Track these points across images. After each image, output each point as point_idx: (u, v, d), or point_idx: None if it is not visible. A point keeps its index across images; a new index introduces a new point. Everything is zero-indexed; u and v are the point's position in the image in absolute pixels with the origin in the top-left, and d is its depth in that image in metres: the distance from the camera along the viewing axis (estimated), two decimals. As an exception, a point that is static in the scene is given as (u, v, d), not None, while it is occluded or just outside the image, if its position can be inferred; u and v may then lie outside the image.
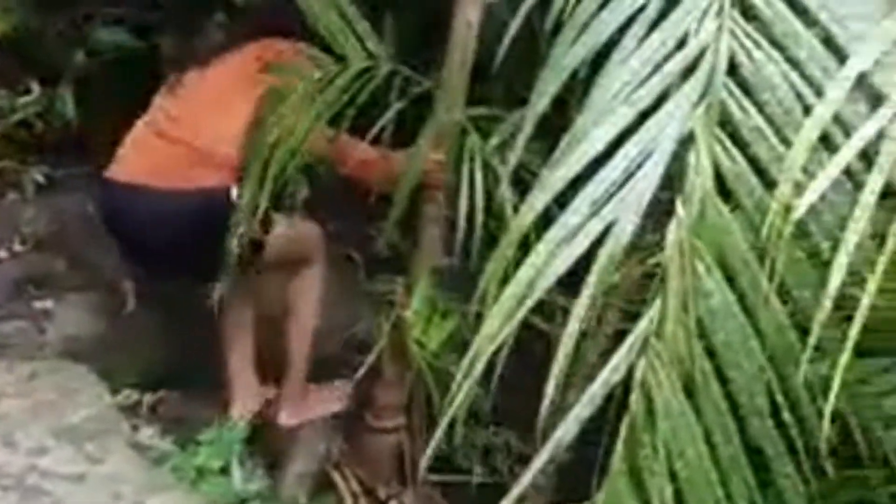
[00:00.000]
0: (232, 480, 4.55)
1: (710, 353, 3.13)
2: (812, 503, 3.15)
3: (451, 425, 4.80)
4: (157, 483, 4.18)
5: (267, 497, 4.67)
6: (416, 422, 5.09)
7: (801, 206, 2.99)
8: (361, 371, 4.87)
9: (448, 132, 4.68)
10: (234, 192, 4.59)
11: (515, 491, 3.02)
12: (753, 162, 3.14)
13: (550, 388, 2.93)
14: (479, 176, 4.71)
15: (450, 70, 4.63)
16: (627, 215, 3.07)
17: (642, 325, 3.09)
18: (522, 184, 4.27)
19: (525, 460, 4.36)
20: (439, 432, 3.36)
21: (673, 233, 3.10)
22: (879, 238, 3.02)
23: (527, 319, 3.34)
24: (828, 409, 2.88)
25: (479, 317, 4.86)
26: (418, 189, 4.75)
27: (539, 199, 3.09)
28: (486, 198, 4.68)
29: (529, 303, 3.00)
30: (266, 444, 5.01)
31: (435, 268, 4.83)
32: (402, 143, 4.79)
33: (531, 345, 3.74)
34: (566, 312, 3.14)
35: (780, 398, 3.11)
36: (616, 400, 3.13)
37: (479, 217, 4.63)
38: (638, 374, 3.09)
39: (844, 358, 2.92)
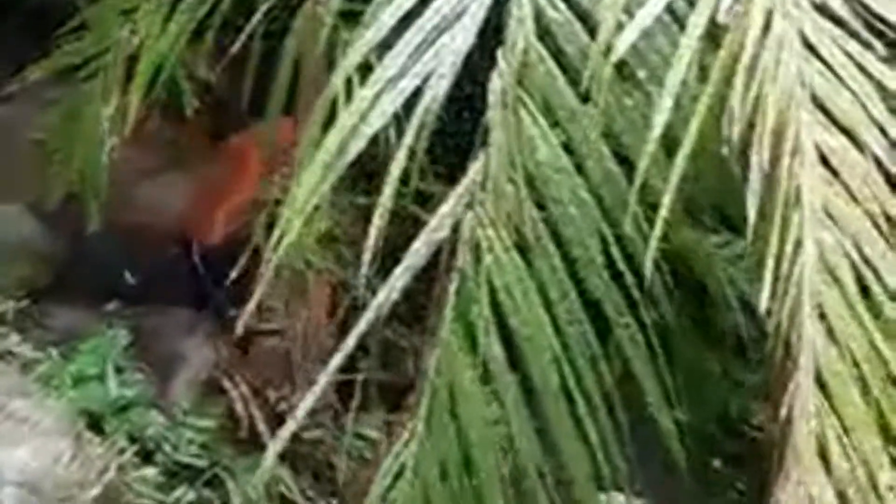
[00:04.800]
0: (108, 387, 4.46)
1: (541, 207, 3.04)
2: (656, 361, 3.08)
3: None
4: (22, 389, 4.09)
5: (146, 403, 4.59)
6: (304, 322, 5.01)
7: (621, 45, 2.89)
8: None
9: (318, 28, 4.55)
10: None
11: (335, 360, 2.92)
12: (575, 8, 3.05)
13: (367, 255, 2.84)
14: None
15: (318, -38, 4.49)
16: (444, 66, 2.98)
17: (467, 179, 3.00)
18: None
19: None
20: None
21: (495, 83, 3.00)
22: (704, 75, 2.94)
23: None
24: (652, 244, 2.78)
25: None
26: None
27: (351, 59, 2.99)
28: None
29: (341, 165, 2.90)
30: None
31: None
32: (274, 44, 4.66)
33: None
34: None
35: (614, 249, 3.03)
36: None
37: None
38: (465, 231, 2.99)
39: (668, 199, 2.83)
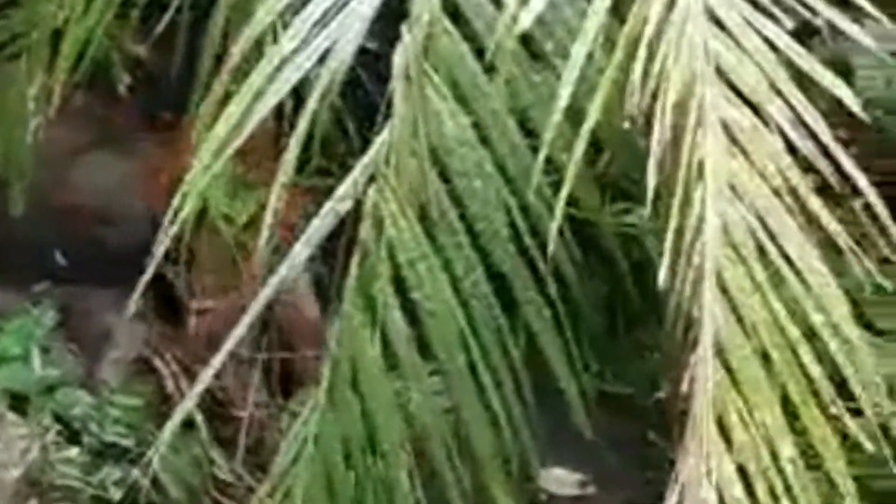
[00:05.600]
0: (32, 367, 4.42)
1: (446, 180, 3.02)
2: (560, 329, 3.06)
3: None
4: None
5: (73, 383, 4.55)
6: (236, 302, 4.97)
7: (526, 18, 2.86)
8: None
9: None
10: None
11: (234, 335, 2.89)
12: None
13: (266, 227, 2.81)
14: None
15: None
16: (349, 34, 2.94)
17: (370, 153, 2.97)
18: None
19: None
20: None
21: (399, 56, 2.97)
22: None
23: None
24: (557, 214, 2.75)
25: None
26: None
27: (253, 28, 2.95)
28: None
29: (245, 132, 2.86)
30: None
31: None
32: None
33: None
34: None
35: (520, 222, 3.00)
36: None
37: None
38: (368, 204, 2.97)
39: (572, 171, 2.80)
